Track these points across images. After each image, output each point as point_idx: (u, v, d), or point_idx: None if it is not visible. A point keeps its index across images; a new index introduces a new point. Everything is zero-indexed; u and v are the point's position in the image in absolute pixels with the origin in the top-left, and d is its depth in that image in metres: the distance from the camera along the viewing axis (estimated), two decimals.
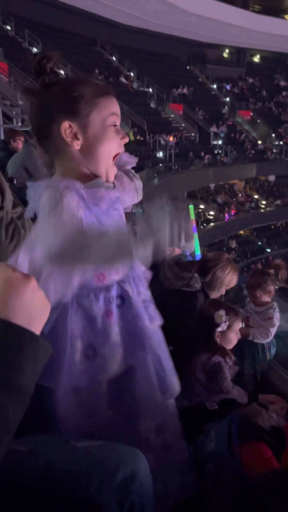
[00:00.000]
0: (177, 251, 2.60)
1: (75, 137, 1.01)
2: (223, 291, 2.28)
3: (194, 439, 1.51)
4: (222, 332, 1.84)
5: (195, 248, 3.17)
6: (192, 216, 3.35)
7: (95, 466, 0.79)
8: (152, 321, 1.14)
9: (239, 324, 1.91)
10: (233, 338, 1.90)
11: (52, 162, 1.09)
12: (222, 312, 1.83)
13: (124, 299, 1.09)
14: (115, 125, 1.04)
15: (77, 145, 1.01)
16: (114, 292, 1.07)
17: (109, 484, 0.77)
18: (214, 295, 2.22)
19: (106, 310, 1.06)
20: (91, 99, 1.01)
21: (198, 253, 2.86)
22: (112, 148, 1.05)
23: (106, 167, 1.06)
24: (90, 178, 1.05)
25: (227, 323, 1.83)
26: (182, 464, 1.26)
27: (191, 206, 3.30)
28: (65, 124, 0.99)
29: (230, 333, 1.87)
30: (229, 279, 2.24)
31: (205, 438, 1.46)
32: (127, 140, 1.07)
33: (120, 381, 1.10)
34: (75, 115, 1.00)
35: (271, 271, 2.57)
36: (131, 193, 1.19)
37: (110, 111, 1.03)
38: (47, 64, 1.00)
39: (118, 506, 0.77)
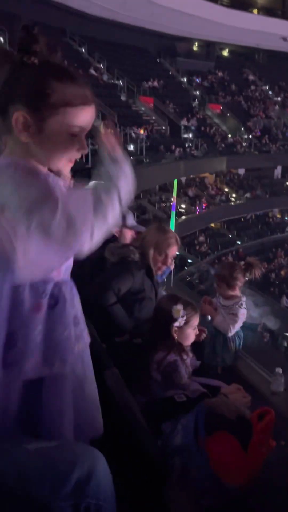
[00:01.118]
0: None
1: (26, 129, 0.92)
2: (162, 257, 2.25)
3: (161, 432, 1.50)
4: (179, 328, 1.81)
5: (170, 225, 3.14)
6: (175, 193, 3.35)
7: (48, 468, 0.75)
8: (78, 340, 1.05)
9: (197, 320, 1.89)
10: (191, 334, 1.87)
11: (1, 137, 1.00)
12: (179, 307, 1.80)
13: (58, 301, 1.01)
14: (76, 136, 0.95)
15: (24, 137, 0.93)
16: (49, 288, 0.99)
17: (63, 487, 0.74)
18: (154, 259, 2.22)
19: (37, 303, 0.97)
20: (60, 102, 0.92)
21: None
22: (63, 156, 0.97)
23: (57, 166, 0.99)
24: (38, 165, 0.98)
25: (185, 318, 1.81)
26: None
27: (175, 180, 3.31)
28: (19, 114, 0.91)
29: (187, 328, 1.84)
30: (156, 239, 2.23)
31: (172, 431, 1.45)
32: (85, 151, 0.97)
33: (30, 388, 0.99)
34: (35, 110, 0.91)
35: (241, 265, 2.58)
36: None
37: (76, 122, 0.94)
38: (32, 43, 0.90)
39: (72, 509, 0.73)
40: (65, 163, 0.99)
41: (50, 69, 0.92)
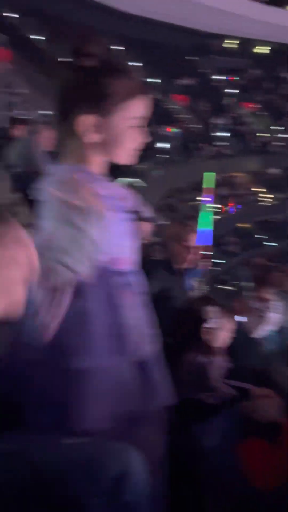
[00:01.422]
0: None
1: (89, 131, 0.97)
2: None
3: (192, 433, 1.49)
4: (211, 329, 1.79)
5: (207, 224, 3.11)
6: (213, 184, 3.32)
7: (85, 464, 0.76)
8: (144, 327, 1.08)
9: (229, 322, 1.86)
10: (222, 336, 1.84)
11: (63, 143, 1.04)
12: (212, 308, 1.78)
13: (123, 291, 1.04)
14: (138, 126, 1.01)
15: (88, 139, 0.97)
16: (129, 278, 1.04)
17: (99, 484, 0.74)
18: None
19: (126, 293, 1.02)
20: (120, 99, 0.97)
21: (210, 228, 2.79)
22: (129, 149, 1.02)
23: (124, 160, 1.03)
24: (100, 167, 1.03)
25: (216, 319, 1.79)
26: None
27: (213, 174, 3.29)
28: (82, 117, 0.95)
29: (219, 330, 1.81)
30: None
31: (203, 433, 1.43)
32: (148, 140, 1.04)
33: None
34: (98, 111, 0.96)
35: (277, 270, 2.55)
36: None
37: (136, 114, 0.99)
38: (86, 46, 0.95)
39: (108, 507, 0.73)
40: (132, 156, 1.03)
41: (108, 68, 0.97)
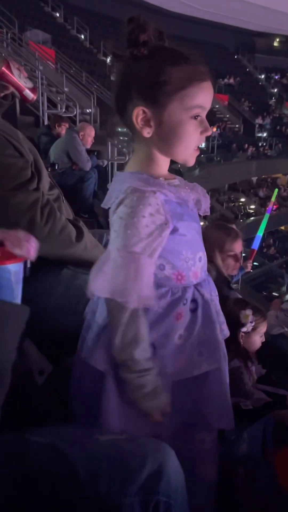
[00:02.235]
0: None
1: (147, 124, 0.91)
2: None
3: (225, 439, 1.46)
4: (246, 333, 1.75)
5: (260, 230, 3.04)
6: (273, 199, 3.29)
7: (119, 462, 0.74)
8: (221, 331, 1.08)
9: (264, 327, 1.81)
10: (257, 341, 1.80)
11: (128, 141, 1.02)
12: (248, 312, 1.73)
13: (197, 303, 1.02)
14: (197, 117, 0.92)
15: (147, 133, 0.92)
16: (189, 294, 1.00)
17: (133, 482, 0.72)
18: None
19: (178, 311, 0.99)
20: (177, 86, 0.88)
21: (261, 234, 2.73)
22: (189, 143, 0.94)
23: (184, 157, 0.97)
24: (163, 165, 0.98)
25: (253, 323, 1.74)
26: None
27: (276, 190, 3.27)
28: (138, 110, 0.90)
29: (254, 335, 1.77)
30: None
31: (238, 439, 1.40)
32: (209, 133, 0.95)
33: (185, 386, 1.03)
34: (153, 101, 0.88)
35: None
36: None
37: (195, 102, 0.90)
38: (140, 34, 0.87)
39: (141, 506, 0.72)
40: (192, 153, 0.97)
41: (162, 55, 0.89)
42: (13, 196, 1.25)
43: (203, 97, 0.92)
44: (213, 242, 2.08)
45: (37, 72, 7.41)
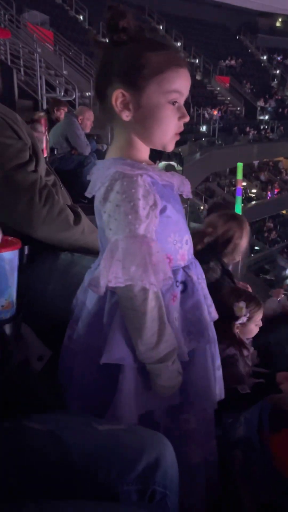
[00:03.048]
0: None
1: (126, 107, 0.92)
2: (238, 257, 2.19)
3: (222, 422, 1.48)
4: (242, 324, 1.75)
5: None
6: (239, 176, 3.20)
7: (117, 451, 0.75)
8: (209, 313, 1.09)
9: (260, 315, 1.80)
10: (253, 329, 1.80)
11: (108, 126, 1.02)
12: (242, 304, 1.73)
13: (186, 285, 1.03)
14: (175, 103, 0.94)
15: (126, 116, 0.93)
16: (179, 277, 1.02)
17: (131, 471, 0.74)
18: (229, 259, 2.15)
19: (172, 293, 1.00)
20: (155, 70, 0.90)
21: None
22: (166, 128, 0.95)
23: (162, 143, 0.98)
24: (143, 150, 0.99)
25: (248, 315, 1.74)
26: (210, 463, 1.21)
27: (240, 164, 3.16)
28: (117, 93, 0.91)
29: (250, 324, 1.77)
30: (246, 242, 2.15)
31: (234, 422, 1.42)
32: (187, 119, 0.97)
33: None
34: (132, 84, 0.91)
35: None
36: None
37: (172, 87, 0.92)
38: (119, 21, 0.89)
39: (138, 495, 0.73)
40: (171, 138, 0.98)
41: (141, 41, 0.92)
42: (12, 176, 1.24)
43: (180, 82, 0.94)
44: (225, 232, 2.08)
45: (35, 54, 7.29)
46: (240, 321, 1.73)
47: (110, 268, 0.88)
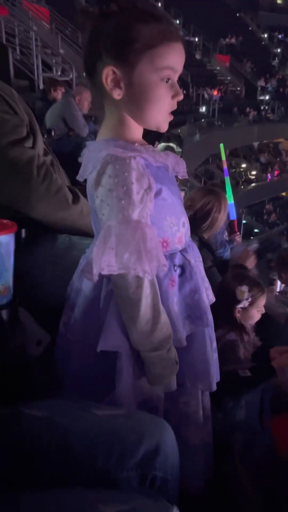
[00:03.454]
0: None
1: (117, 85, 0.87)
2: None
3: (223, 406, 1.48)
4: (243, 308, 1.74)
5: (228, 196, 3.02)
6: (223, 157, 3.14)
7: (117, 436, 0.74)
8: (207, 297, 1.08)
9: (263, 300, 1.79)
10: (255, 315, 1.79)
11: (99, 106, 0.97)
12: (244, 288, 1.71)
13: (184, 269, 1.01)
14: (168, 80, 0.88)
15: (117, 94, 0.88)
16: (177, 260, 0.99)
17: (131, 457, 0.73)
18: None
19: (170, 278, 0.98)
20: (146, 44, 0.85)
21: (231, 202, 2.70)
22: (160, 107, 0.90)
23: (156, 122, 0.93)
24: (136, 129, 0.95)
25: (249, 299, 1.72)
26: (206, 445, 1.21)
27: (221, 145, 3.10)
28: (108, 70, 0.86)
29: (252, 309, 1.75)
30: (224, 218, 2.22)
31: (235, 406, 1.41)
32: (180, 97, 0.91)
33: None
34: (122, 60, 0.85)
35: None
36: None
37: (165, 63, 0.87)
38: None
39: (138, 480, 0.73)
40: (164, 118, 0.93)
41: (131, 12, 0.86)
42: (8, 151, 1.20)
43: (174, 58, 0.89)
44: (204, 206, 2.11)
45: (31, 33, 7.13)
46: (241, 305, 1.72)
47: (103, 256, 0.85)
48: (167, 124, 0.95)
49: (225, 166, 3.05)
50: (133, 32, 0.84)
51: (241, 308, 1.73)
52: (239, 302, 1.71)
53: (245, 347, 1.74)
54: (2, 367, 0.84)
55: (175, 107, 0.93)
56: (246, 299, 1.71)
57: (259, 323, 1.87)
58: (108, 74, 0.87)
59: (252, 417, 1.28)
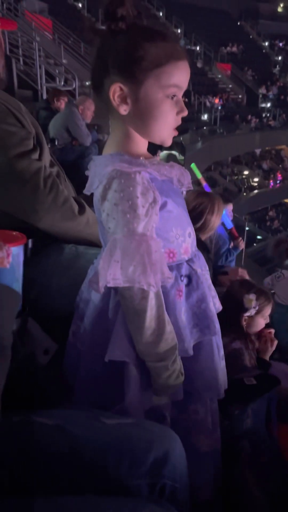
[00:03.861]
0: None
1: (123, 101, 0.90)
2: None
3: (229, 413, 1.48)
4: (250, 317, 1.75)
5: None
6: (198, 175, 3.15)
7: (126, 446, 0.75)
8: (214, 304, 1.09)
9: (269, 309, 1.80)
10: (261, 323, 1.80)
11: (107, 120, 1.00)
12: (252, 297, 1.72)
13: (191, 278, 1.02)
14: (174, 96, 0.91)
15: (123, 110, 0.90)
16: (183, 271, 1.01)
17: (141, 465, 0.73)
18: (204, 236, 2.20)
19: (178, 289, 1.00)
20: (153, 63, 0.87)
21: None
22: (164, 123, 0.93)
23: (160, 137, 0.95)
24: (141, 143, 0.97)
25: (257, 308, 1.73)
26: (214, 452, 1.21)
27: (193, 165, 3.12)
28: (115, 86, 0.88)
29: (258, 317, 1.77)
30: (218, 220, 2.22)
31: (242, 414, 1.42)
32: (185, 114, 0.94)
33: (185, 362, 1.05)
34: (130, 77, 0.87)
35: None
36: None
37: (171, 81, 0.89)
38: (117, 9, 0.85)
39: (148, 489, 0.73)
40: (169, 133, 0.96)
41: (139, 30, 0.88)
42: (15, 163, 1.22)
43: (180, 76, 0.91)
44: (196, 207, 2.12)
45: (34, 43, 7.21)
46: (248, 314, 1.72)
47: (109, 269, 0.87)
48: (171, 139, 0.97)
49: (204, 183, 3.07)
50: (141, 51, 0.86)
51: (248, 316, 1.73)
52: (246, 310, 1.72)
53: (250, 354, 1.75)
54: (12, 376, 0.85)
55: (180, 122, 0.96)
56: (254, 307, 1.72)
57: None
58: (115, 90, 0.89)
59: (259, 425, 1.29)
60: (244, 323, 1.73)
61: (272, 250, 3.02)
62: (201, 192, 2.28)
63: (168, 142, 0.97)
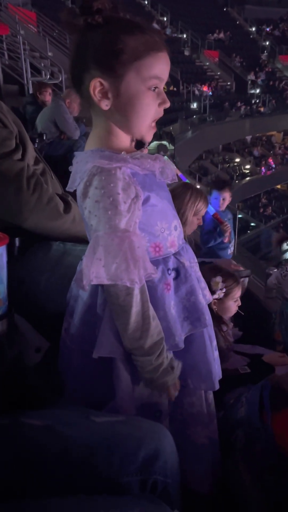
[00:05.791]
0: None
1: (104, 96, 0.88)
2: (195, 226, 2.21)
3: (224, 403, 1.49)
4: (219, 300, 1.77)
5: None
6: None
7: (116, 443, 0.75)
8: (204, 297, 1.09)
9: (238, 292, 1.83)
10: (232, 306, 1.83)
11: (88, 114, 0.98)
12: (218, 279, 1.75)
13: (179, 271, 1.02)
14: (155, 88, 0.90)
15: (105, 105, 0.89)
16: (171, 264, 1.00)
17: (131, 462, 0.74)
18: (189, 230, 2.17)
19: (165, 282, 0.99)
20: (133, 55, 0.86)
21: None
22: (147, 115, 0.92)
23: (140, 132, 0.94)
24: (124, 138, 0.95)
25: (224, 290, 1.75)
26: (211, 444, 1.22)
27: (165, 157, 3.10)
28: (95, 81, 0.87)
29: (228, 301, 1.79)
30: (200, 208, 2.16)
31: (236, 403, 1.43)
32: (167, 105, 0.93)
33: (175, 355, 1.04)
34: (110, 71, 0.86)
35: None
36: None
37: (152, 73, 0.88)
38: (93, 2, 0.84)
39: (140, 485, 0.74)
40: (149, 128, 0.94)
41: (117, 23, 0.87)
42: None
43: (160, 67, 0.90)
44: (188, 203, 2.09)
45: (18, 37, 7.10)
46: (216, 296, 1.74)
47: (91, 267, 0.87)
48: (151, 136, 0.96)
49: (179, 173, 3.06)
50: (120, 44, 0.85)
51: (217, 299, 1.75)
52: (213, 293, 1.73)
53: (225, 337, 1.77)
54: (1, 377, 0.84)
55: (162, 114, 0.95)
56: (220, 289, 1.74)
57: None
58: (95, 85, 0.87)
59: (253, 413, 1.29)
60: (214, 306, 1.75)
61: (275, 246, 3.10)
62: (183, 183, 2.26)
63: (148, 138, 0.96)
